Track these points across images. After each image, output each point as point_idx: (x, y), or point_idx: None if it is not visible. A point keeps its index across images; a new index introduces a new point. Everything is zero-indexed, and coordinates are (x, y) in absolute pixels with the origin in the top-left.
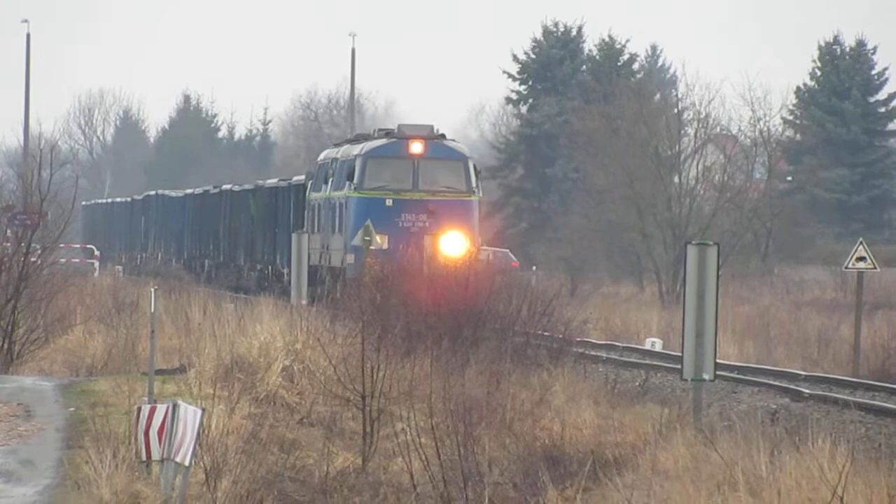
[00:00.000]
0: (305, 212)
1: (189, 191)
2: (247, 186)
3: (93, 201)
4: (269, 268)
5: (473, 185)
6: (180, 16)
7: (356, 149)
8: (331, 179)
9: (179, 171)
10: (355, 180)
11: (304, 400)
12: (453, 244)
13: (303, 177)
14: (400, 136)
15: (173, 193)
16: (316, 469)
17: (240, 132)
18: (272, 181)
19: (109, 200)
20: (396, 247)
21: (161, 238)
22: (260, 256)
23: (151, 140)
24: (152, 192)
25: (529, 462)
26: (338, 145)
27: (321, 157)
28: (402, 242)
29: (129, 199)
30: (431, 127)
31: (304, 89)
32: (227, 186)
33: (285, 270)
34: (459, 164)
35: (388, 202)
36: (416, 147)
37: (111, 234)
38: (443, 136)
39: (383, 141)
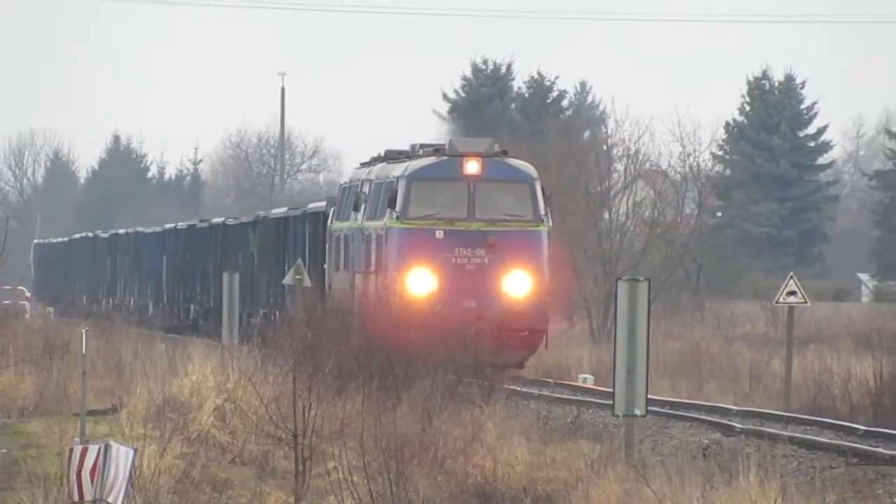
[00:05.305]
0: (327, 245)
1: (170, 226)
2: (245, 218)
3: (47, 240)
4: (278, 313)
5: (542, 212)
6: (110, 56)
7: (397, 169)
8: (363, 206)
9: (110, 211)
10: (398, 207)
11: (237, 439)
12: (518, 285)
13: (322, 204)
14: (452, 154)
15: (148, 229)
16: None
17: (170, 172)
18: (279, 210)
19: (67, 238)
20: (449, 288)
21: (133, 280)
22: (264, 300)
23: (82, 181)
24: (121, 230)
25: (462, 499)
26: (366, 164)
27: (346, 179)
28: (455, 283)
29: (90, 234)
30: (491, 142)
31: (234, 128)
32: (218, 220)
33: None
34: (525, 186)
35: (439, 234)
36: (472, 166)
37: (70, 276)
38: (504, 152)
39: (432, 159)
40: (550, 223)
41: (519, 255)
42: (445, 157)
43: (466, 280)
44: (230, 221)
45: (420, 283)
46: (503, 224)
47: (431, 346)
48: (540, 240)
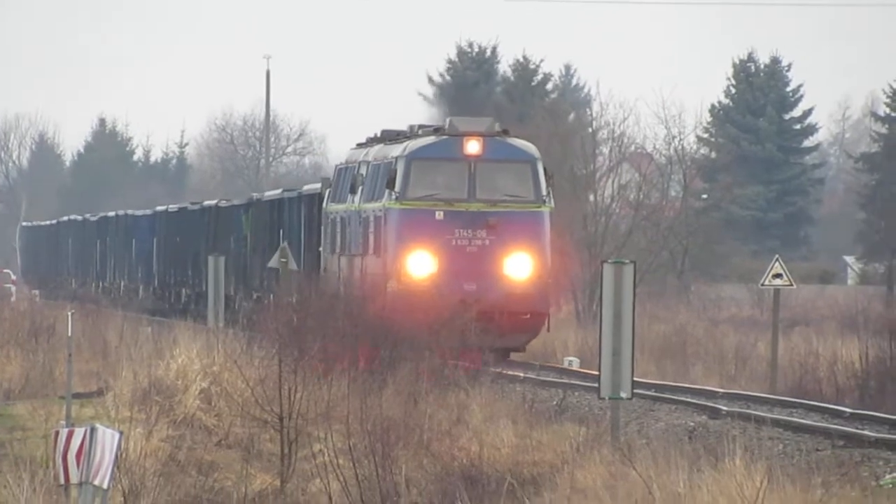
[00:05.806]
0: (322, 228)
1: (161, 208)
2: (238, 201)
3: (34, 223)
4: (272, 297)
5: (544, 192)
6: (96, 39)
7: (396, 149)
8: (360, 187)
9: (95, 195)
10: (396, 188)
11: (222, 422)
12: (519, 267)
13: (317, 185)
14: (452, 133)
15: (139, 212)
16: (234, 491)
17: (156, 155)
18: (273, 192)
19: (55, 221)
20: (449, 270)
21: (123, 263)
22: (258, 283)
23: (67, 164)
24: (111, 213)
25: (447, 482)
26: (363, 145)
27: (342, 159)
28: (456, 265)
29: (79, 217)
30: (491, 121)
31: (219, 111)
32: (210, 202)
33: None
34: (527, 166)
35: (439, 215)
36: (473, 146)
37: (58, 259)
38: (505, 132)
39: (431, 139)
40: (552, 204)
41: (520, 236)
42: (445, 137)
43: (467, 262)
44: (223, 204)
45: (420, 265)
46: (504, 205)
47: (420, 330)
48: (542, 221)
